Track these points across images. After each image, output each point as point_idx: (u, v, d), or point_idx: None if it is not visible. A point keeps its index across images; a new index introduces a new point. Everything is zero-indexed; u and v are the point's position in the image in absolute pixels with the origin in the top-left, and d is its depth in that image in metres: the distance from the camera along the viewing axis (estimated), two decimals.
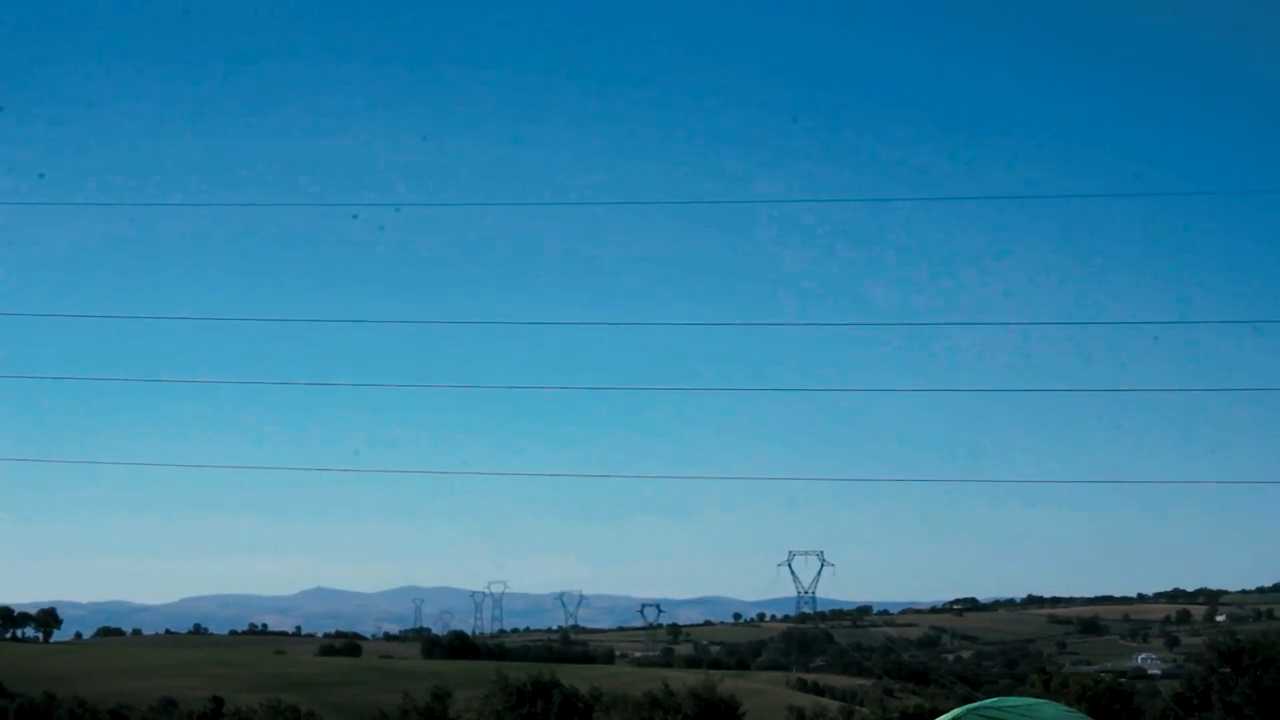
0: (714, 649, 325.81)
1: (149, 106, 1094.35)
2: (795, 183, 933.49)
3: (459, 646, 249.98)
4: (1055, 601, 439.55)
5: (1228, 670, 65.17)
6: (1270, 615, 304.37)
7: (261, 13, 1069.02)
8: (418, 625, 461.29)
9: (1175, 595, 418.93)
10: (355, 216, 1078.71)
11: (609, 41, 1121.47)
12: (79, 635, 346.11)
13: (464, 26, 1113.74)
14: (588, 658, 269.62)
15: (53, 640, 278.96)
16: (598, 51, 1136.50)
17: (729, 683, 78.47)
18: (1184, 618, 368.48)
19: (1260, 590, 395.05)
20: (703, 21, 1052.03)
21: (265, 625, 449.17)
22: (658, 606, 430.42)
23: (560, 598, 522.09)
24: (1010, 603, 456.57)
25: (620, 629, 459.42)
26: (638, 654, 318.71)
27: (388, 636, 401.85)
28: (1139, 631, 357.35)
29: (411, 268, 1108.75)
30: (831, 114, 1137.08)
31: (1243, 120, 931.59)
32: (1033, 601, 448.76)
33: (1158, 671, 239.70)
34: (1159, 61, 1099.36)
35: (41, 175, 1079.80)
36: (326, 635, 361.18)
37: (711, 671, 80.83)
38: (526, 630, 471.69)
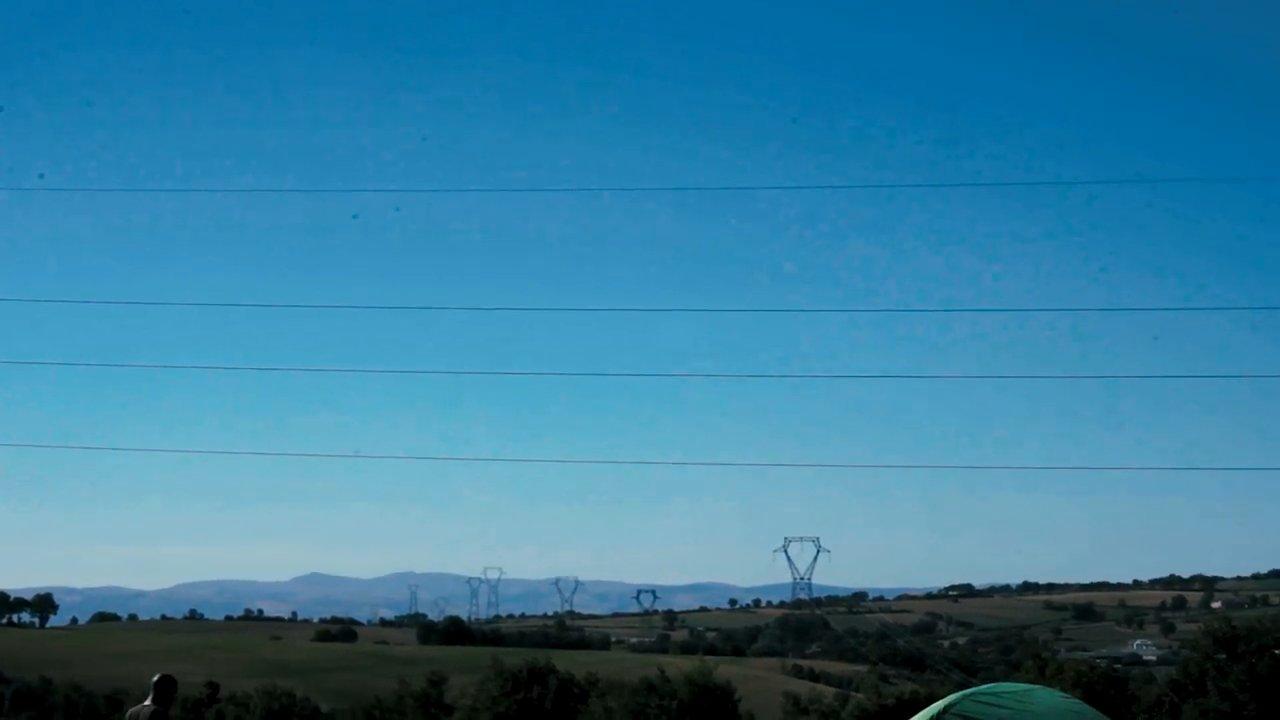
0: (710, 635, 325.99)
1: (148, 103, 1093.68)
2: (794, 170, 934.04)
3: (455, 632, 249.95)
4: (1051, 588, 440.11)
5: (1223, 656, 65.21)
6: (1265, 602, 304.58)
7: (261, 10, 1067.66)
8: (413, 611, 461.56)
9: (1171, 582, 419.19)
10: (355, 217, 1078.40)
11: (608, 33, 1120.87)
12: (75, 620, 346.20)
13: (464, 21, 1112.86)
14: (583, 644, 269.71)
15: (49, 625, 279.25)
16: (597, 44, 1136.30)
17: (725, 669, 78.40)
18: (1179, 604, 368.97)
19: (1255, 577, 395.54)
20: (702, 12, 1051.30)
21: (261, 611, 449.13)
22: (653, 592, 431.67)
23: (556, 583, 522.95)
24: (1006, 589, 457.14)
25: (616, 615, 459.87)
26: (633, 640, 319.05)
27: (383, 622, 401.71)
28: (1134, 618, 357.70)
29: (408, 255, 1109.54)
30: (833, 105, 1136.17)
31: (1242, 110, 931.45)
32: (1028, 588, 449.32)
33: (1153, 658, 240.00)
34: (1159, 52, 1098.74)
35: (41, 175, 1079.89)
36: (322, 621, 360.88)
37: (707, 657, 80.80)
38: (522, 616, 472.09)
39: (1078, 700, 25.85)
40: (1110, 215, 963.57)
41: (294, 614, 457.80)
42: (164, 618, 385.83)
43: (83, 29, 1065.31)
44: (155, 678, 26.13)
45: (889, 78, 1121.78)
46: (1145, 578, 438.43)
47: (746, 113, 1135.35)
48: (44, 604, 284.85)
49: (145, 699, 25.90)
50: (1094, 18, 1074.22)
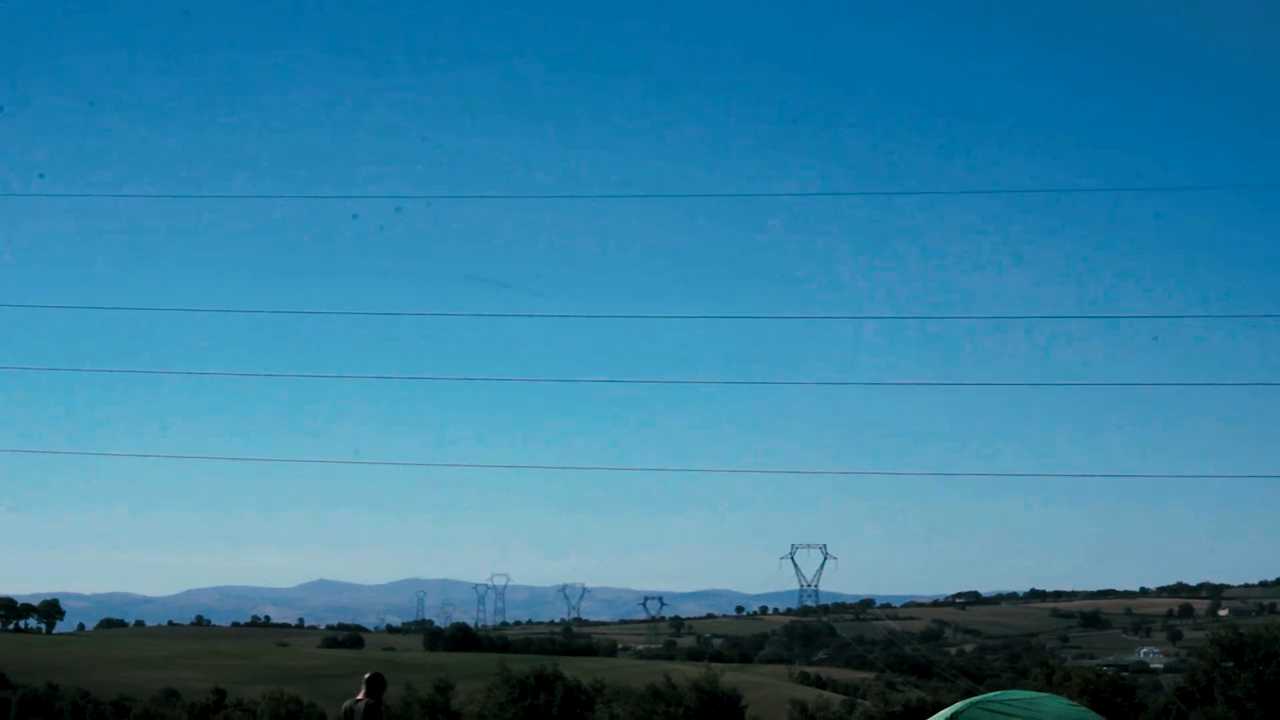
0: (716, 642, 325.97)
1: (149, 104, 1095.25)
2: (798, 176, 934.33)
3: (461, 639, 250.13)
4: (1058, 595, 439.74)
5: (1230, 665, 65.17)
6: (1273, 610, 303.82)
7: (261, 11, 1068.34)
8: (420, 617, 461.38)
9: (1178, 589, 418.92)
10: (355, 217, 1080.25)
11: (608, 37, 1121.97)
12: (82, 627, 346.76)
13: (464, 23, 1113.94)
14: (590, 650, 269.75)
15: (56, 631, 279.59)
16: (597, 47, 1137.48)
17: (731, 675, 78.36)
18: (1187, 612, 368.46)
19: (1263, 584, 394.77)
20: (702, 16, 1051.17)
21: (268, 617, 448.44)
22: (660, 599, 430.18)
23: (563, 590, 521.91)
24: (1013, 596, 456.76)
25: (622, 622, 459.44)
26: (640, 647, 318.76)
27: (390, 629, 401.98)
28: (1141, 625, 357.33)
29: (414, 260, 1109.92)
30: (834, 110, 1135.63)
31: (1243, 116, 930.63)
32: (1035, 595, 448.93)
33: (1160, 665, 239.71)
34: (1160, 57, 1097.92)
35: (41, 175, 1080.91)
36: (329, 627, 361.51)
37: (713, 664, 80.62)
38: (529, 623, 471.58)
39: (1084, 708, 25.88)
40: (1115, 221, 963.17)
41: (301, 620, 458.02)
42: (171, 624, 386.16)
43: (84, 31, 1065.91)
44: (367, 675, 28.08)
45: (892, 85, 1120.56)
46: (1152, 585, 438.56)
47: (750, 119, 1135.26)
48: (51, 610, 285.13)
49: (358, 694, 27.78)
50: (1096, 24, 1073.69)
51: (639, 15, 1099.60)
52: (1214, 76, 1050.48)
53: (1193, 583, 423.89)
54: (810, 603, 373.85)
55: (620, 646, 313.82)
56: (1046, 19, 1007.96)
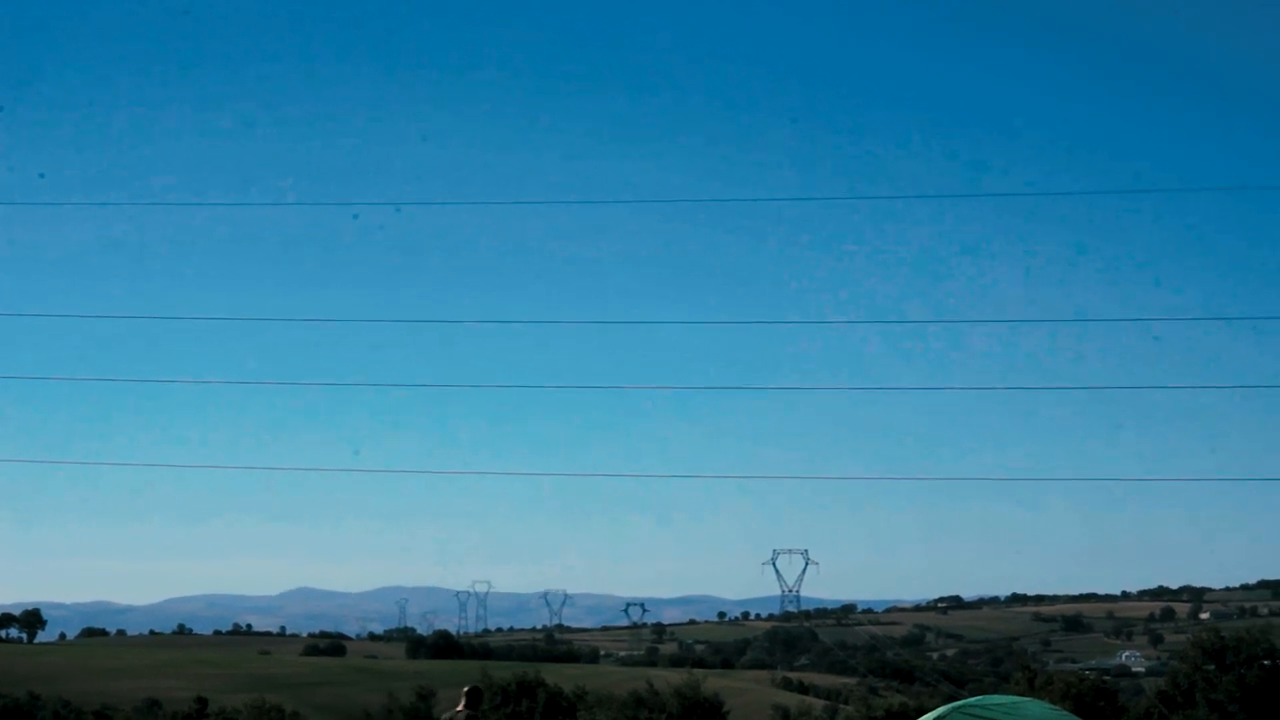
0: (698, 648, 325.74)
1: (149, 106, 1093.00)
2: (785, 181, 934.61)
3: (443, 646, 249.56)
4: (1040, 599, 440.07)
5: (1212, 668, 65.42)
6: (1254, 613, 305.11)
7: (261, 13, 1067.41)
8: (402, 625, 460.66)
9: (1159, 593, 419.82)
10: (356, 217, 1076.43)
11: (608, 41, 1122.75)
12: (63, 636, 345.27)
13: (464, 26, 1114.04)
14: (572, 657, 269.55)
15: (37, 641, 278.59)
16: (597, 51, 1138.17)
17: (713, 681, 78.45)
18: (1168, 615, 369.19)
19: (1244, 587, 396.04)
20: (701, 20, 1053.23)
21: (249, 625, 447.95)
22: (642, 605, 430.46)
23: (545, 597, 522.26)
24: (995, 600, 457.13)
25: (605, 628, 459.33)
26: (622, 653, 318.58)
27: (372, 636, 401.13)
28: (1123, 629, 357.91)
29: (402, 267, 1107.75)
30: (830, 113, 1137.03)
31: (1242, 118, 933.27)
32: (1017, 599, 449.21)
33: (1142, 669, 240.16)
34: (1159, 59, 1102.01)
35: (42, 175, 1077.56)
36: (311, 635, 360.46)
37: (696, 670, 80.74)
38: (511, 630, 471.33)
39: (1067, 712, 25.96)
40: (1100, 225, 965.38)
41: (283, 628, 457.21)
42: (152, 633, 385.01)
43: (83, 33, 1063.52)
44: (466, 688, 29.47)
45: (889, 88, 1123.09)
46: (1134, 589, 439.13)
47: (745, 124, 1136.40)
48: (32, 619, 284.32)
49: (457, 705, 28.96)
50: (1093, 25, 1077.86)
51: (638, 19, 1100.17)
52: (1213, 78, 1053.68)
53: (1174, 586, 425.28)
54: (792, 608, 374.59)
55: (602, 653, 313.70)
56: (1044, 22, 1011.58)
